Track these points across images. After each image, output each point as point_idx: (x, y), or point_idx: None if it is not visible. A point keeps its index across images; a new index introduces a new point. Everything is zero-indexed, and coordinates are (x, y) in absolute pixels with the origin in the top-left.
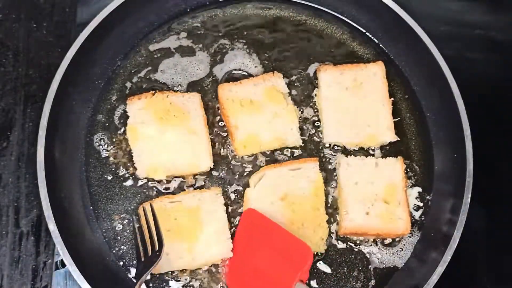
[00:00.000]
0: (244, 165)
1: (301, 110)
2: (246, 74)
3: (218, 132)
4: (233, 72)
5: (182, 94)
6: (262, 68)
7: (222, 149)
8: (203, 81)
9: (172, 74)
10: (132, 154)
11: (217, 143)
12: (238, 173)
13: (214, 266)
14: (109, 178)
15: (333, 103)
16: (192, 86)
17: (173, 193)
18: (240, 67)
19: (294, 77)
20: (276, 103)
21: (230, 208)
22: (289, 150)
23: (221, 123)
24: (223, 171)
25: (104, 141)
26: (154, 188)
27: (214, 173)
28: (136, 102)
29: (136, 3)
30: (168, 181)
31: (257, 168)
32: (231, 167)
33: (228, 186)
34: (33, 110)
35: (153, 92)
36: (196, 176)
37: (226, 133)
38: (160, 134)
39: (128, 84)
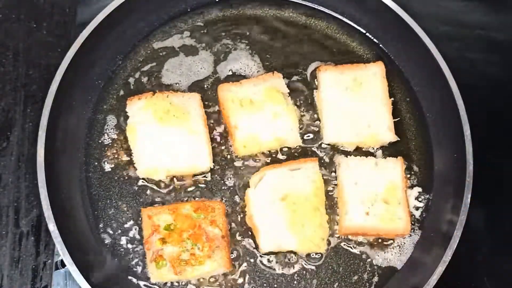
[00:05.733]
0: (244, 165)
1: (301, 110)
2: (249, 74)
3: (219, 132)
4: (235, 72)
5: (182, 94)
6: (263, 69)
7: (222, 149)
8: (206, 80)
9: (175, 73)
10: (132, 154)
11: (217, 143)
12: (238, 173)
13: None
14: (109, 178)
15: (333, 103)
16: (195, 85)
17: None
18: (243, 67)
19: (294, 77)
20: (276, 103)
21: (229, 209)
22: (289, 150)
23: (222, 123)
24: (223, 172)
25: (104, 141)
26: (153, 188)
27: (214, 173)
28: (136, 102)
29: (136, 3)
30: (167, 182)
31: (257, 168)
32: (231, 167)
33: (227, 187)
34: (33, 110)
35: (153, 92)
36: (196, 177)
37: (226, 133)
38: (160, 134)
39: (129, 84)
